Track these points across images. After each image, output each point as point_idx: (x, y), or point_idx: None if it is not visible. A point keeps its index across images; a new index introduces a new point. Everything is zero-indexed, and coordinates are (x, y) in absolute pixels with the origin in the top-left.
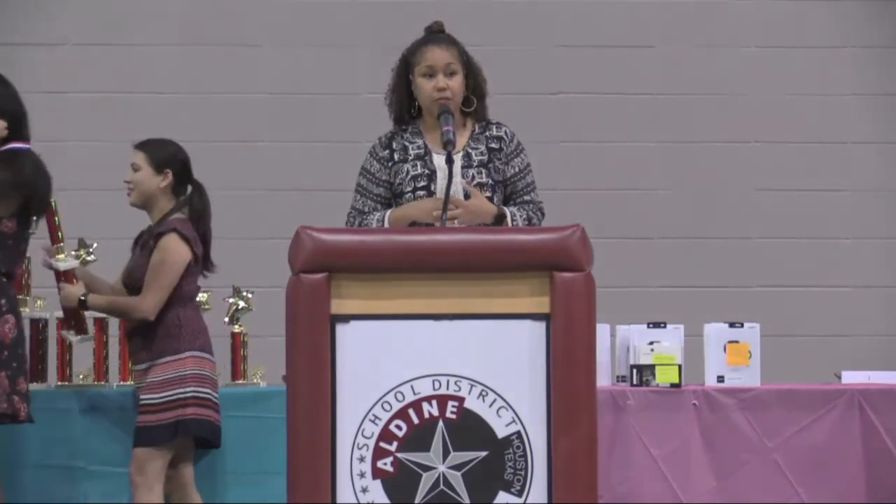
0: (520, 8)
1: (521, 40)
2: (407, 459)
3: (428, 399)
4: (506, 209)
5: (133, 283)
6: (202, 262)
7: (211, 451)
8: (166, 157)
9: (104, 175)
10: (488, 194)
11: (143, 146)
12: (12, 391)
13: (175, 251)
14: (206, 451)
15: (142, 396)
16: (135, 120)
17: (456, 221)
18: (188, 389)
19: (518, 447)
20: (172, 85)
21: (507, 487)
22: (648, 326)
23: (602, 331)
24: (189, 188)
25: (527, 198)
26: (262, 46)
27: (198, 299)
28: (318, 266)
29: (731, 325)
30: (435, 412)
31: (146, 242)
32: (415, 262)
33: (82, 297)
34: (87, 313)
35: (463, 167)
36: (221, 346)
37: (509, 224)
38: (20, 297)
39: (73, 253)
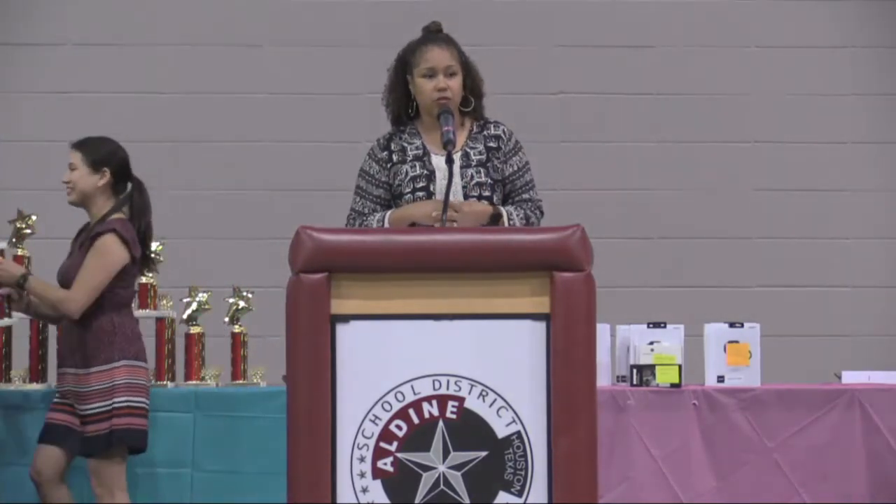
0: (520, 8)
1: (521, 40)
2: (407, 459)
3: (428, 399)
4: (501, 208)
5: (68, 283)
6: (141, 262)
7: (213, 451)
8: (103, 155)
9: None
10: (487, 193)
11: (79, 145)
12: None
13: (111, 252)
14: (206, 452)
15: (78, 406)
16: (135, 120)
17: (455, 224)
18: (122, 399)
19: (518, 447)
20: (172, 85)
21: (507, 487)
22: (648, 326)
23: (602, 331)
24: (129, 186)
25: (525, 196)
26: (262, 46)
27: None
28: (318, 266)
29: (731, 325)
30: (435, 412)
31: (84, 242)
32: (415, 262)
33: (22, 277)
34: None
35: (462, 167)
36: (221, 346)
37: (505, 223)
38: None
39: None
